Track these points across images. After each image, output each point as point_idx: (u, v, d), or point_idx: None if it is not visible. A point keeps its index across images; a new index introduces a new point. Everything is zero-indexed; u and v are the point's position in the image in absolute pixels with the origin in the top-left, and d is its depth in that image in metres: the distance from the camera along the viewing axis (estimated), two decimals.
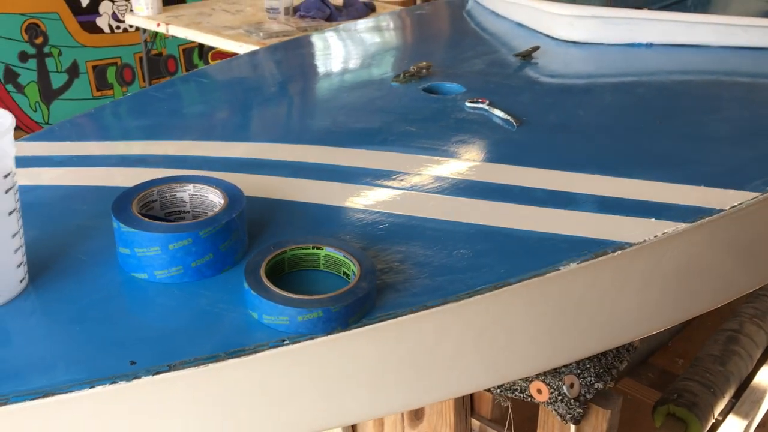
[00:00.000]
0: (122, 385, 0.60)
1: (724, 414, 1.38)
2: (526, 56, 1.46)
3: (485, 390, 1.08)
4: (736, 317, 1.55)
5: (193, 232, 0.70)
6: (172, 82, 1.40)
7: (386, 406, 0.79)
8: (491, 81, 1.33)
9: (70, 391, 0.59)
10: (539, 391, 0.97)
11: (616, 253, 0.79)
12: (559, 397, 0.96)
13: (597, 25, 1.54)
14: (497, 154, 1.04)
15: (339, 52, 1.67)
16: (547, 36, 1.61)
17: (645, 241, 0.81)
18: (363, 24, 1.88)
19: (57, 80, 3.59)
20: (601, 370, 0.97)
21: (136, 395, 0.61)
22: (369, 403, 0.75)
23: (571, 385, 0.95)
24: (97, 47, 3.69)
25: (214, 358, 0.62)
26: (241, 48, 2.56)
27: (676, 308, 0.95)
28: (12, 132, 0.66)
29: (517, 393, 1.00)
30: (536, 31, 1.64)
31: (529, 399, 0.99)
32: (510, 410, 1.09)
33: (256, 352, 0.64)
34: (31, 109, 3.54)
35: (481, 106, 1.17)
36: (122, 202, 0.75)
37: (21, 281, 0.70)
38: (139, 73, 3.87)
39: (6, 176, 0.66)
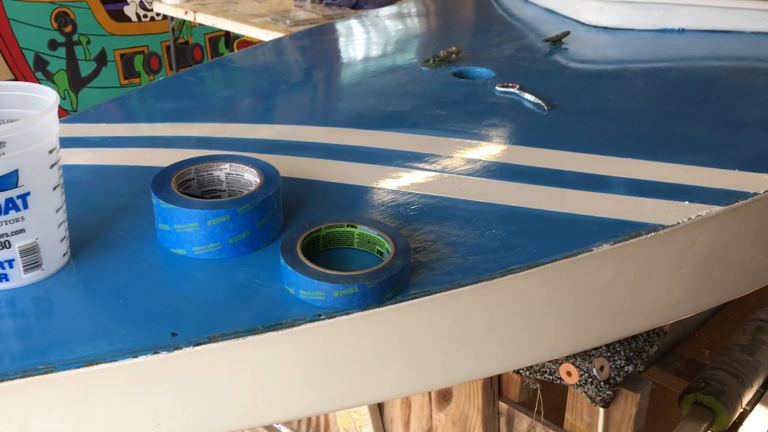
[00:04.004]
0: (164, 356, 0.61)
1: (752, 404, 1.37)
2: (556, 41, 1.45)
3: (514, 372, 1.09)
4: (765, 308, 1.53)
5: (231, 209, 0.71)
6: (202, 68, 1.42)
7: (417, 383, 0.80)
8: (521, 66, 1.33)
9: (114, 361, 0.61)
10: (569, 374, 0.97)
11: (649, 235, 0.79)
12: (589, 380, 0.96)
13: (628, 10, 1.53)
14: (528, 138, 1.03)
15: (367, 37, 1.68)
16: (577, 21, 1.60)
17: (679, 223, 0.81)
18: (389, 11, 1.88)
19: (85, 68, 3.64)
20: (631, 354, 0.96)
21: (178, 365, 0.62)
22: (400, 381, 0.76)
23: (601, 368, 0.95)
24: (125, 36, 3.73)
25: (253, 331, 0.64)
26: (268, 36, 2.58)
27: (708, 292, 0.95)
28: (56, 109, 0.68)
29: (546, 375, 1.00)
30: (566, 17, 1.64)
31: (558, 381, 0.99)
32: (539, 393, 1.10)
33: (293, 325, 0.65)
34: (60, 96, 3.59)
35: (511, 90, 1.17)
36: (161, 179, 0.77)
37: (64, 255, 0.72)
38: (166, 61, 3.91)
39: (51, 152, 0.67)
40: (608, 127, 1.08)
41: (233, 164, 0.81)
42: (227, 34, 3.91)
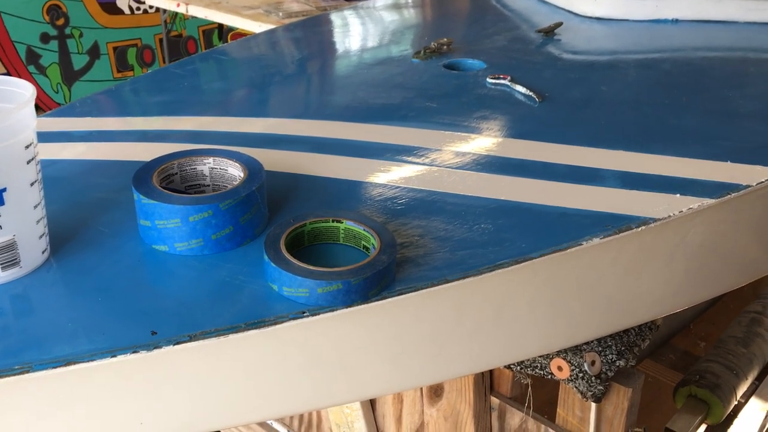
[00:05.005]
0: (143, 355, 0.60)
1: (747, 396, 1.36)
2: (549, 32, 1.44)
3: (505, 367, 1.08)
4: (760, 300, 1.53)
5: (214, 205, 0.70)
6: (192, 60, 1.40)
7: (405, 380, 0.78)
8: (513, 57, 1.31)
9: (92, 360, 0.59)
10: (560, 369, 0.96)
11: (639, 229, 0.78)
12: (580, 375, 0.95)
13: (621, 0, 1.52)
14: (519, 130, 1.02)
15: (358, 29, 1.66)
16: (570, 12, 1.58)
17: (670, 216, 0.80)
18: (382, 2, 1.86)
19: (78, 61, 3.62)
20: (622, 348, 0.96)
21: (157, 365, 0.61)
22: (388, 377, 0.75)
23: (593, 363, 0.94)
24: (118, 28, 3.71)
25: (235, 329, 0.62)
26: (261, 27, 2.55)
27: (700, 286, 0.94)
28: (33, 103, 0.66)
29: (537, 370, 0.99)
30: (559, 7, 1.62)
31: (549, 376, 0.98)
32: (530, 388, 1.09)
33: (276, 323, 0.64)
34: (52, 90, 3.56)
35: (502, 82, 1.16)
36: (143, 174, 0.75)
37: (43, 252, 0.70)
38: (159, 54, 3.88)
39: (27, 147, 0.66)
40: (600, 118, 1.06)
41: (217, 158, 0.80)
42: (221, 26, 3.88)
